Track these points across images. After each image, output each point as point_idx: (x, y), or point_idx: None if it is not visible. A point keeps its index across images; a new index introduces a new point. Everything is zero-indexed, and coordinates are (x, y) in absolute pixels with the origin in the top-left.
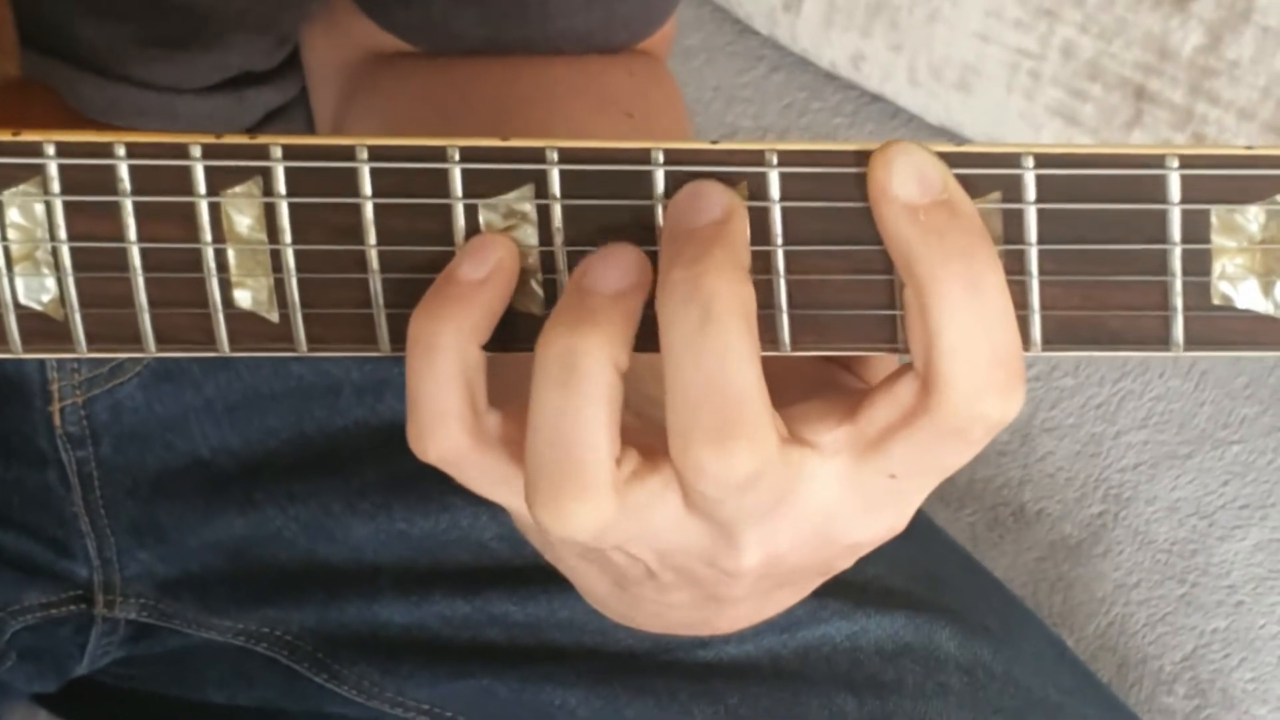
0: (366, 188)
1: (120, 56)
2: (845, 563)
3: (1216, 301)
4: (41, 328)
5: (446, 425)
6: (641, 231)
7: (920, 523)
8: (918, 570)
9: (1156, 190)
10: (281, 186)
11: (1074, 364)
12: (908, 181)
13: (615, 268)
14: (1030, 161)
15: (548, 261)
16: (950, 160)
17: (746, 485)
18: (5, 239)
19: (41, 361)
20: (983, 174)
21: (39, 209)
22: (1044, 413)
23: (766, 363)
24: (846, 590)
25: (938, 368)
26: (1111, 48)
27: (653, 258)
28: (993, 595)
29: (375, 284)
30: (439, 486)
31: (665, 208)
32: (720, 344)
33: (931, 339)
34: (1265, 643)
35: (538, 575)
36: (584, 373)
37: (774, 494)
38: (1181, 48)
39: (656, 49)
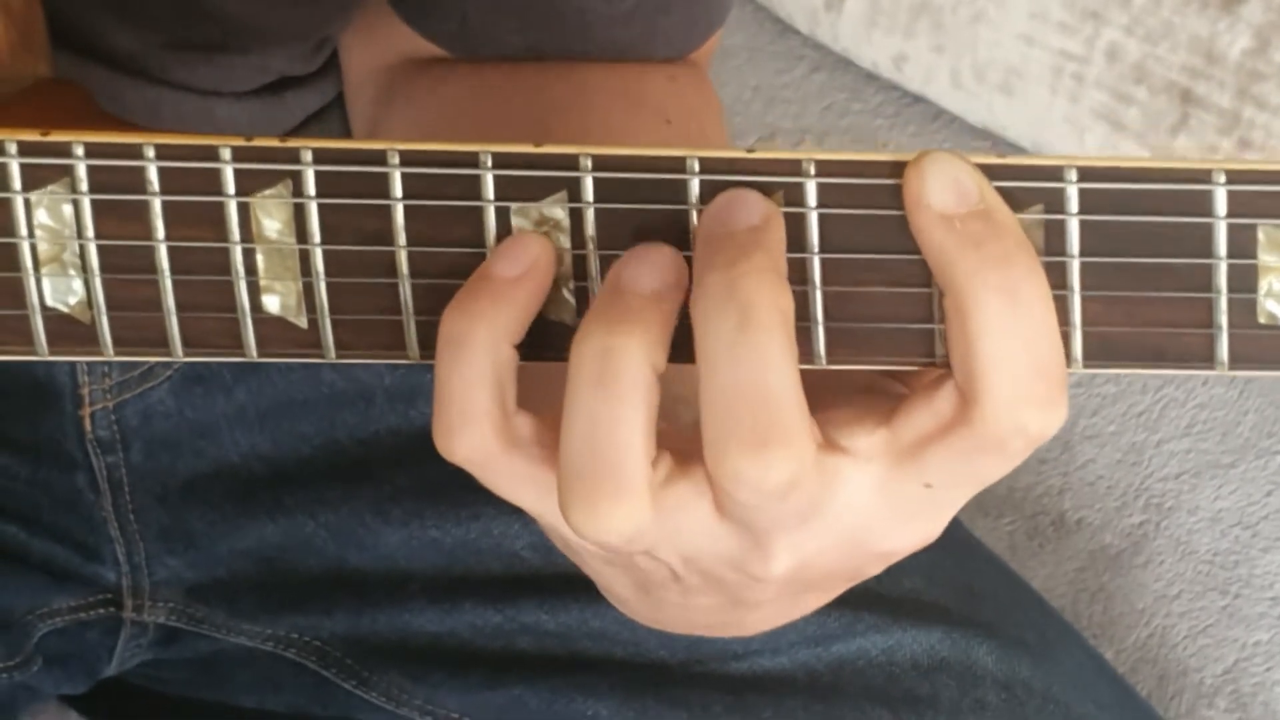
0: (398, 191)
1: (157, 61)
2: (876, 569)
3: (1262, 320)
4: (68, 330)
5: (476, 424)
6: (676, 239)
7: (958, 535)
8: (955, 584)
9: (1202, 205)
10: (312, 189)
11: (1116, 372)
12: (943, 190)
13: (651, 268)
14: (1074, 174)
15: (580, 269)
16: (993, 173)
17: (783, 493)
18: (33, 239)
19: (72, 366)
20: (1025, 186)
21: (67, 210)
22: (1085, 420)
23: (809, 369)
24: (882, 604)
25: (976, 380)
26: (1158, 51)
27: (689, 263)
28: (1031, 609)
29: (405, 290)
30: (471, 494)
31: (700, 213)
32: (758, 349)
33: (970, 350)
34: None
35: (569, 585)
36: (621, 373)
37: (810, 501)
38: (1229, 51)
39: (699, 58)
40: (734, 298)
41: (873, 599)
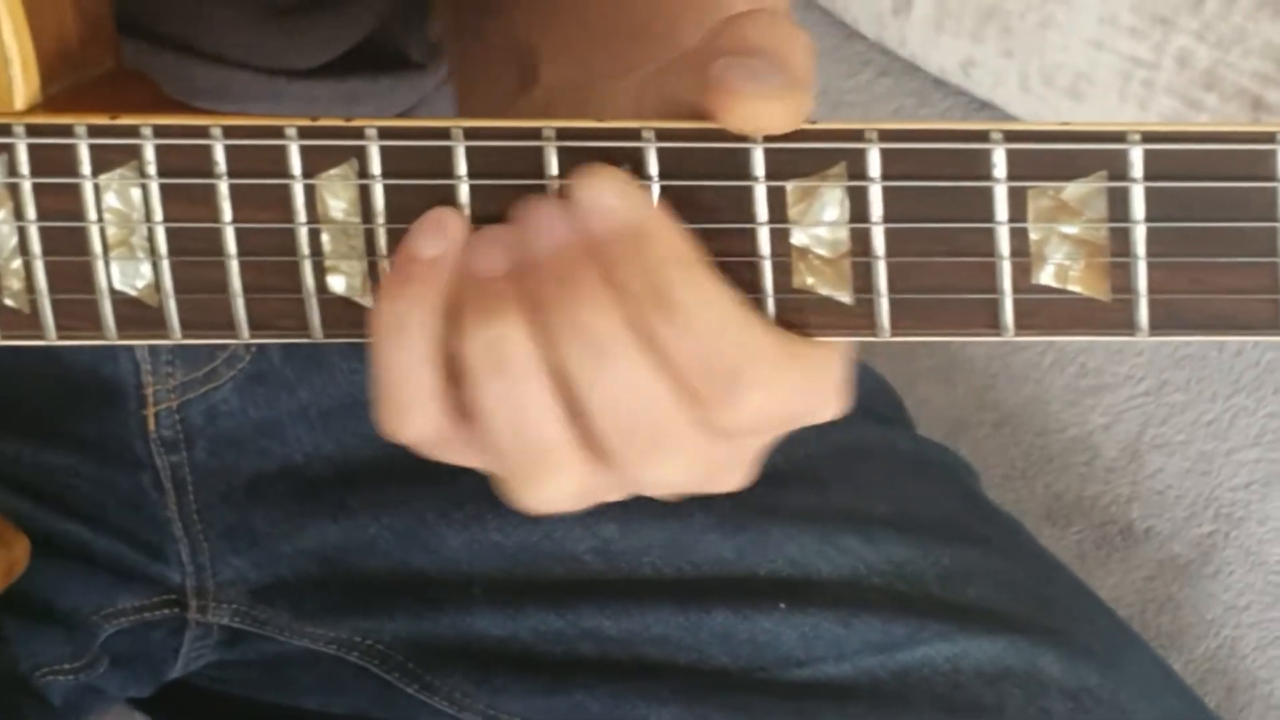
0: (461, 168)
1: (228, 32)
2: None
3: None
4: (136, 314)
5: (424, 406)
6: (739, 209)
7: (1025, 543)
8: (1022, 592)
9: (1266, 168)
10: (377, 168)
11: (1185, 379)
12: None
13: (488, 247)
14: (1137, 139)
15: None
16: (1056, 138)
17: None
18: (102, 223)
19: (136, 365)
20: (1088, 152)
21: (135, 193)
22: (1153, 429)
23: None
24: (948, 611)
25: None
26: (1229, 57)
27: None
28: (1098, 617)
29: None
30: None
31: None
32: (625, 366)
33: None
34: None
35: (631, 590)
36: (514, 359)
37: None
38: None
39: None
40: (581, 336)
41: (938, 606)
